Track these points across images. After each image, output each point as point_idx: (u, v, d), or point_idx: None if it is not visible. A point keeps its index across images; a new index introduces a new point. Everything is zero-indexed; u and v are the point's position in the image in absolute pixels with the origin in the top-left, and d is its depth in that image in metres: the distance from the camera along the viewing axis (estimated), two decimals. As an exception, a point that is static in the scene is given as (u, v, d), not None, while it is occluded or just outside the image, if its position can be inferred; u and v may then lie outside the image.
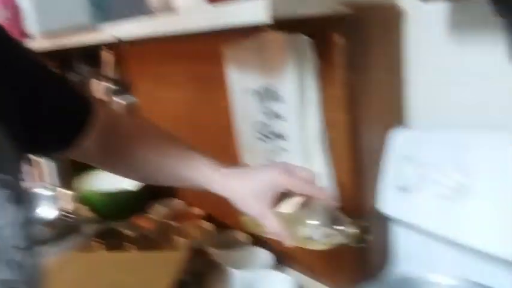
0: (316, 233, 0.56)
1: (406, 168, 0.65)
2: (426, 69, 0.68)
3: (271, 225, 0.58)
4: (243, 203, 0.59)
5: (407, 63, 0.70)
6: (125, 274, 0.90)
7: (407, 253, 0.70)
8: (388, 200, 0.69)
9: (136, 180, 0.82)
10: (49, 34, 1.10)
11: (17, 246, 0.48)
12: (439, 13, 0.63)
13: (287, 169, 0.58)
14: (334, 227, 0.55)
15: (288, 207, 0.58)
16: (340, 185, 0.73)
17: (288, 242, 0.58)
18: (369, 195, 0.71)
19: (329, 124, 0.71)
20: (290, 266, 0.88)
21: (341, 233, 0.55)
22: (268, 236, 0.61)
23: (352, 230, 0.55)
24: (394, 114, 0.72)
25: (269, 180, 0.58)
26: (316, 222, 0.56)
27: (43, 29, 1.09)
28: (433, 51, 0.67)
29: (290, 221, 0.58)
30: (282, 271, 0.83)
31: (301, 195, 0.58)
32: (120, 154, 0.65)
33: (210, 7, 0.63)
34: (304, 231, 0.57)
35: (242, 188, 0.59)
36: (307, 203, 0.58)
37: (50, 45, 1.12)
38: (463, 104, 0.65)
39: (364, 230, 0.55)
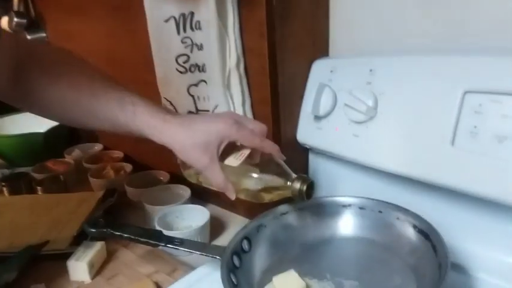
0: (261, 185, 0.56)
1: (323, 96, 0.65)
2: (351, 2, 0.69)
3: (216, 178, 0.55)
4: (187, 154, 0.56)
5: None
6: (36, 216, 0.85)
7: (325, 181, 0.73)
8: (306, 129, 0.70)
9: (58, 121, 0.74)
10: None
11: None
12: None
13: (236, 120, 0.56)
14: (280, 180, 0.55)
15: (234, 160, 0.56)
16: (259, 116, 0.72)
17: (233, 195, 0.57)
18: (289, 126, 0.72)
19: (250, 52, 0.69)
20: (209, 202, 0.88)
21: (286, 187, 0.55)
22: (213, 189, 0.58)
23: (296, 184, 0.55)
24: (317, 45, 0.72)
25: (216, 131, 0.55)
26: (261, 176, 0.56)
27: None
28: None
29: (235, 174, 0.56)
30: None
31: (248, 148, 0.56)
32: (39, 90, 0.57)
33: None
34: (249, 184, 0.56)
35: (186, 138, 0.55)
36: (254, 156, 0.57)
37: None
38: (377, 33, 0.67)
39: (309, 185, 0.55)
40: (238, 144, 0.58)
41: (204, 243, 0.67)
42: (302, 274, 0.54)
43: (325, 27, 0.73)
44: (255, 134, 0.56)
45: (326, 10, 0.72)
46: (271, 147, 0.57)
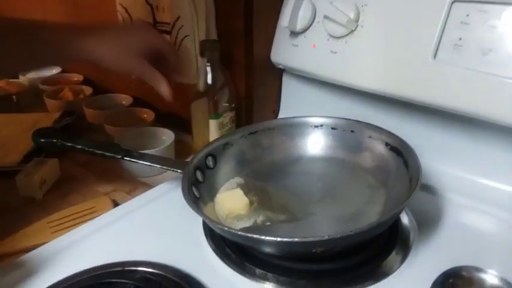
0: None
1: (301, 9, 0.60)
2: None
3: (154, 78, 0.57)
4: (118, 62, 0.56)
5: None
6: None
7: (298, 103, 0.69)
8: (281, 47, 0.65)
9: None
10: None
11: None
12: None
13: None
14: None
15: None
16: (230, 32, 0.67)
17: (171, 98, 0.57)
18: (262, 43, 0.67)
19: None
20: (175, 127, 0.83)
21: None
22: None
23: None
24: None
25: (145, 39, 0.58)
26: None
27: None
28: None
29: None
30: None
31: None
32: None
33: None
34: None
35: (117, 47, 0.56)
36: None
37: None
38: None
39: None
40: None
41: (165, 157, 0.62)
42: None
43: None
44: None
45: None
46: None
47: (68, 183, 0.66)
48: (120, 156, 0.56)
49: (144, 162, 0.55)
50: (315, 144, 0.59)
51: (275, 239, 0.38)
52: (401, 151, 0.50)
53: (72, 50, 0.55)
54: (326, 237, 0.37)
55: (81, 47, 0.55)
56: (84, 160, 0.71)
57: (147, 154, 0.58)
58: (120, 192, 0.63)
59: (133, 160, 0.55)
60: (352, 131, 0.56)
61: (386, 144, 0.52)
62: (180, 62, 0.65)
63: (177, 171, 0.53)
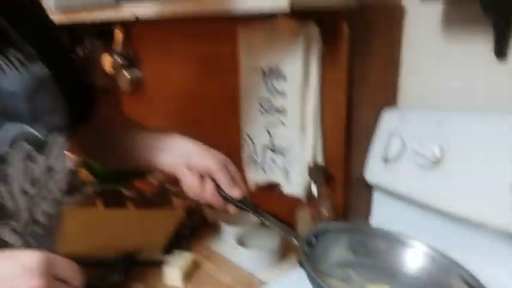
0: None
1: (392, 141, 0.76)
2: (419, 58, 0.81)
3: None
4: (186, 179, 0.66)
5: (404, 53, 0.83)
6: (125, 229, 0.99)
7: (388, 219, 0.82)
8: (374, 170, 0.81)
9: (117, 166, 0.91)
10: (65, 9, 1.16)
11: (61, 189, 0.58)
12: (434, 10, 0.76)
13: (225, 165, 0.66)
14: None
15: None
16: (333, 156, 0.84)
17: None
18: (358, 166, 0.83)
19: (328, 102, 0.82)
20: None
21: None
22: None
23: None
24: (387, 97, 0.84)
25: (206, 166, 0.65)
26: None
27: (58, 6, 1.15)
28: (425, 44, 0.79)
29: None
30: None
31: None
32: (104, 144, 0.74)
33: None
34: None
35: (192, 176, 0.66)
36: None
37: (66, 19, 1.19)
38: (444, 89, 0.78)
39: None
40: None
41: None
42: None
43: (395, 80, 0.84)
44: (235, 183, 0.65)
45: (397, 67, 0.84)
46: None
47: (198, 274, 0.83)
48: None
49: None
50: (407, 261, 0.70)
51: None
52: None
53: (149, 162, 0.68)
54: None
55: (155, 160, 0.68)
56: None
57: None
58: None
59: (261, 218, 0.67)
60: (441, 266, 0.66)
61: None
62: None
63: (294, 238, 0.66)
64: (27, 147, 0.53)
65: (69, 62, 0.69)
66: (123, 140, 0.72)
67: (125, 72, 1.35)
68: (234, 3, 0.73)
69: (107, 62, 1.38)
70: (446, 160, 0.69)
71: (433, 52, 0.79)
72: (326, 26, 0.77)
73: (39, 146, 0.54)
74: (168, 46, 1.24)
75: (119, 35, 1.32)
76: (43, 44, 0.59)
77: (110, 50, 1.39)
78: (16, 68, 0.53)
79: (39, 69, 0.55)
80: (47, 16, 0.66)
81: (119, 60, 1.35)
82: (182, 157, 0.67)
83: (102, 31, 1.40)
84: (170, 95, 1.30)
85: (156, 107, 1.38)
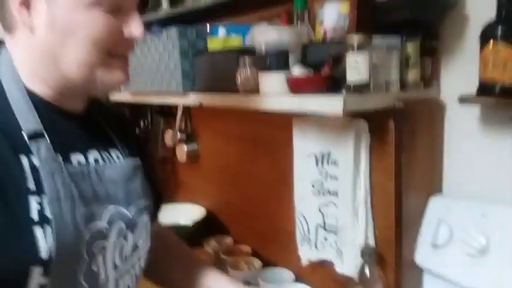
0: None
1: (440, 229, 0.82)
2: (461, 151, 0.88)
3: None
4: None
5: (446, 145, 0.90)
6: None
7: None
8: (423, 254, 0.85)
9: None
10: (134, 92, 1.33)
11: (141, 266, 0.68)
12: (472, 110, 0.83)
13: None
14: None
15: None
16: (384, 239, 0.90)
17: None
18: (408, 249, 0.88)
19: (378, 188, 0.89)
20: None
21: None
22: None
23: None
24: (433, 184, 0.90)
25: None
26: None
27: (129, 88, 1.32)
28: (466, 138, 0.87)
29: None
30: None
31: None
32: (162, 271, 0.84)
33: (294, 97, 0.83)
34: None
35: None
36: None
37: (133, 99, 1.35)
38: (486, 181, 0.83)
39: None
40: None
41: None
42: None
43: (440, 170, 0.91)
44: None
45: (441, 158, 0.90)
46: None
47: None
48: None
49: None
50: None
51: None
52: None
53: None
54: None
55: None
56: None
57: None
58: None
59: None
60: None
61: None
62: None
63: None
64: (122, 225, 0.64)
65: (149, 161, 0.82)
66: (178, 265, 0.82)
67: (183, 146, 1.49)
68: (292, 105, 0.83)
69: (168, 135, 1.53)
70: (493, 250, 0.74)
71: (473, 145, 0.85)
72: (374, 122, 0.86)
73: (130, 225, 0.66)
74: (223, 127, 1.36)
75: (179, 113, 1.47)
76: (134, 145, 0.75)
77: (170, 125, 1.54)
78: (115, 161, 0.68)
79: (133, 161, 0.70)
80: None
81: (178, 134, 1.49)
82: None
83: (165, 108, 1.56)
84: (224, 168, 1.41)
85: (210, 178, 1.49)
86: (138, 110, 1.61)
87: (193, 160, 1.49)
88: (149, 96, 1.29)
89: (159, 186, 0.87)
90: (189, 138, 1.49)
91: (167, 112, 1.57)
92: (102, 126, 0.71)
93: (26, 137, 0.57)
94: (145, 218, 0.69)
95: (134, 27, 0.61)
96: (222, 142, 1.39)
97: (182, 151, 1.49)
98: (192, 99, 1.11)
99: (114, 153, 0.69)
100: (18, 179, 0.55)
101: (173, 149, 1.53)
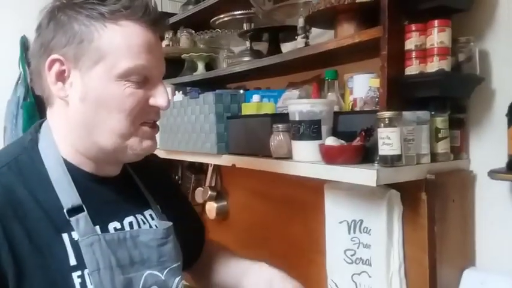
0: None
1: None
2: (492, 223, 0.87)
3: None
4: None
5: (478, 216, 0.89)
6: None
7: None
8: None
9: None
10: (168, 150, 1.39)
11: None
12: (503, 181, 0.83)
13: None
14: None
15: None
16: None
17: None
18: None
19: (412, 259, 0.88)
20: None
21: None
22: None
23: None
24: (466, 257, 0.88)
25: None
26: None
27: (163, 146, 1.38)
28: (497, 209, 0.86)
29: None
30: None
31: None
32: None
33: (327, 166, 0.85)
34: None
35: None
36: None
37: (167, 155, 1.40)
38: None
39: None
40: None
41: None
42: None
43: (472, 243, 0.90)
44: None
45: (472, 230, 0.90)
46: None
47: None
48: None
49: None
50: None
51: None
52: None
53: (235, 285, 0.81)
54: None
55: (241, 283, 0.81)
56: None
57: None
58: None
59: None
60: None
61: None
62: None
63: None
64: (154, 287, 0.66)
65: (189, 213, 0.89)
66: (219, 262, 0.86)
67: (213, 203, 1.51)
68: (326, 174, 0.85)
69: (198, 193, 1.56)
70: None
71: (504, 217, 0.84)
72: (406, 193, 0.87)
73: (162, 287, 0.68)
74: (253, 186, 1.39)
75: (210, 170, 1.51)
76: (168, 204, 0.77)
77: (200, 182, 1.58)
78: (149, 223, 0.71)
79: (165, 225, 0.72)
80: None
81: (208, 191, 1.52)
82: (264, 281, 0.79)
83: (195, 164, 1.60)
84: (253, 227, 1.42)
85: (239, 236, 1.49)
86: (169, 165, 1.66)
87: (222, 216, 1.51)
88: (184, 155, 1.34)
89: (197, 215, 0.93)
90: (219, 195, 1.52)
91: (198, 168, 1.61)
92: (138, 187, 0.75)
93: (66, 215, 0.61)
94: (176, 279, 0.71)
95: (160, 97, 0.65)
96: (252, 200, 1.41)
97: (211, 207, 1.51)
98: (226, 160, 1.15)
99: (148, 214, 0.73)
100: (61, 257, 0.59)
101: (203, 206, 1.55)
